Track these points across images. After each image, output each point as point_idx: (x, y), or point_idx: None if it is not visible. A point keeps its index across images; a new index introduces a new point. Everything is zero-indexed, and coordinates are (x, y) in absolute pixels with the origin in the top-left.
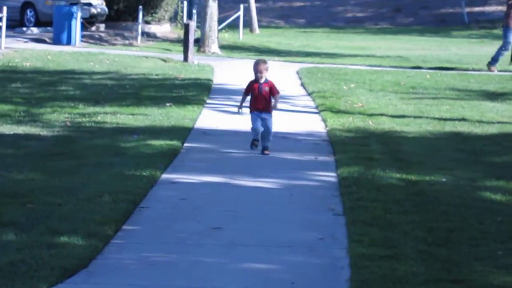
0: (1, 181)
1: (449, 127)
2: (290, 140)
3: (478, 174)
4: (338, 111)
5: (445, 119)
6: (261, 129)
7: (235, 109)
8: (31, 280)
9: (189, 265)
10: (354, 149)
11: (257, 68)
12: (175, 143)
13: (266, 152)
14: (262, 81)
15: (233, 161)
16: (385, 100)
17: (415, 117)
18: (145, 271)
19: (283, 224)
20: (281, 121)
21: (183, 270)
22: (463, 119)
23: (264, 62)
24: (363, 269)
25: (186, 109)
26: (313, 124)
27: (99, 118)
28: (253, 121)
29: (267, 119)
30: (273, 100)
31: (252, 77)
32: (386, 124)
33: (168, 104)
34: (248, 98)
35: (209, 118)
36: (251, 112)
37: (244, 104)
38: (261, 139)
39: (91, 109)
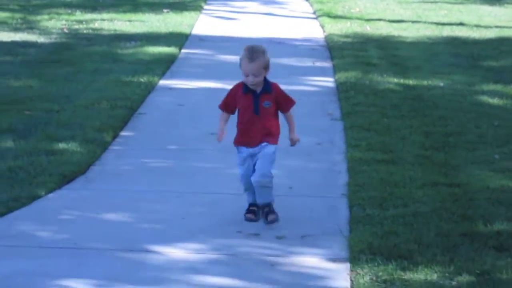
0: None
1: (447, 31)
2: (287, 46)
3: (475, 78)
4: (335, 16)
5: (443, 24)
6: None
7: (232, 15)
8: (30, 186)
9: (186, 170)
10: (352, 54)
11: (248, 67)
12: (172, 49)
13: (270, 218)
14: (259, 90)
15: (230, 66)
16: (382, 5)
17: (413, 21)
18: (143, 176)
19: (280, 129)
20: (278, 27)
21: (181, 176)
22: (461, 24)
23: (262, 52)
24: (361, 174)
25: (183, 15)
26: (311, 30)
27: (96, 24)
28: (241, 165)
29: (261, 151)
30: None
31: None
32: (383, 29)
33: (165, 10)
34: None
35: (206, 24)
36: (237, 145)
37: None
38: (255, 188)
39: (88, 16)
